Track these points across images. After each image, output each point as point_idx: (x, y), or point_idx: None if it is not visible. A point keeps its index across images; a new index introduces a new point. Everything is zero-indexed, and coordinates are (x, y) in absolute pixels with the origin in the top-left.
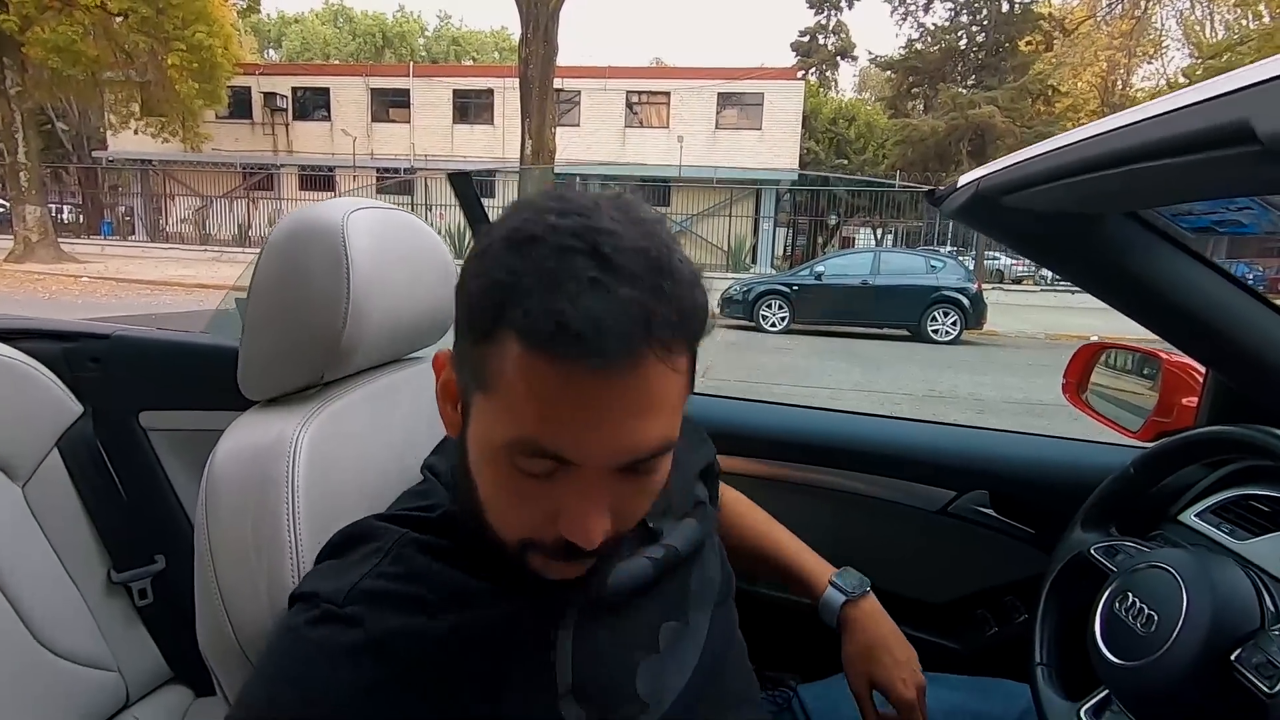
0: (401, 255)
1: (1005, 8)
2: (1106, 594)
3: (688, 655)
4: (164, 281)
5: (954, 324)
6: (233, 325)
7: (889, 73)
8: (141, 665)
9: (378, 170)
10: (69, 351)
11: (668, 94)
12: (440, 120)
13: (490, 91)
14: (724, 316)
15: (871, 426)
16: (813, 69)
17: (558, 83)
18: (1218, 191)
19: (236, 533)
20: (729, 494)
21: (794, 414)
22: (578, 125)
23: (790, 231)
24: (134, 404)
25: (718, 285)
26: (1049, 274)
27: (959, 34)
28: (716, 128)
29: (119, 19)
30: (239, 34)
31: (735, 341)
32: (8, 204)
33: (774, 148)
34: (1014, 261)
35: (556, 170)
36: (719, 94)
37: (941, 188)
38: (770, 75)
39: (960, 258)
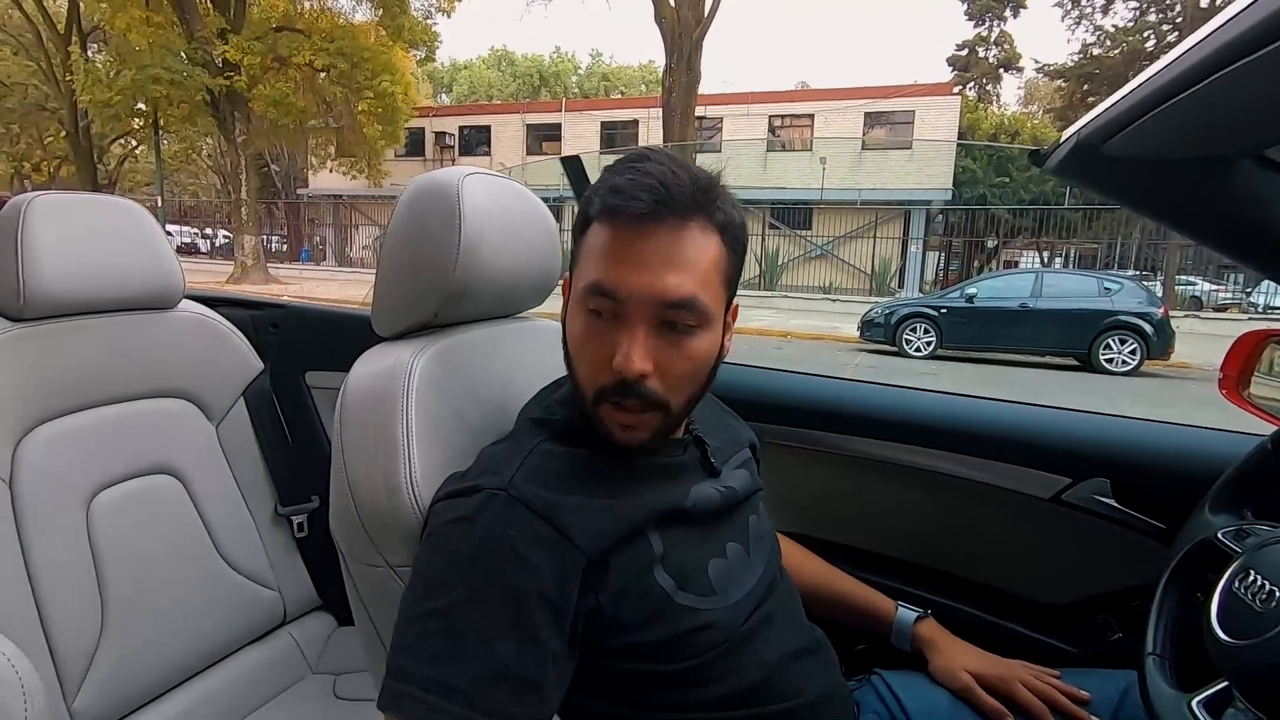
0: (510, 216)
1: (1204, 3)
2: (1228, 574)
3: (747, 575)
4: (345, 300)
5: (1133, 352)
6: None
7: (1059, 81)
8: (297, 590)
9: None
10: (255, 318)
11: (811, 116)
12: (588, 151)
13: (635, 122)
14: (865, 340)
15: (973, 407)
16: (970, 83)
17: (700, 110)
18: None
19: (361, 437)
20: (785, 543)
21: (891, 393)
22: (719, 151)
23: (943, 255)
24: (301, 364)
25: (858, 310)
26: (1260, 301)
27: (1145, 34)
28: (863, 148)
29: (322, 74)
30: (417, 81)
31: (876, 365)
32: (230, 235)
33: (925, 167)
34: (1215, 287)
35: None
36: (866, 113)
37: (1044, 147)
38: (923, 92)
39: (1145, 282)
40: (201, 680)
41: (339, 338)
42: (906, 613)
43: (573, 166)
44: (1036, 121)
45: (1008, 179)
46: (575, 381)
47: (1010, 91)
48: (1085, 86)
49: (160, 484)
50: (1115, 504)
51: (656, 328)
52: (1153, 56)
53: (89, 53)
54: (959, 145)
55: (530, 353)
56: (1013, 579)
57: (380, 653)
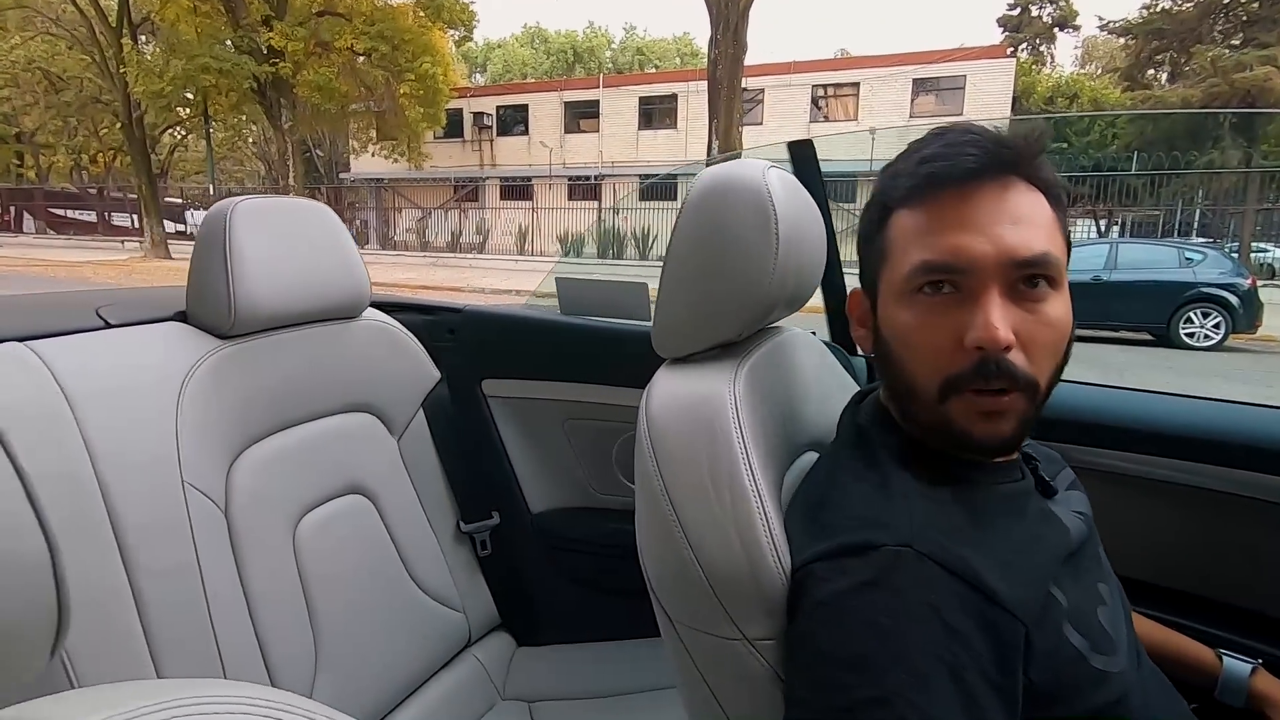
0: (802, 208)
1: None
2: None
3: (1120, 622)
4: (392, 284)
5: (1216, 326)
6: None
7: (1125, 39)
8: (479, 610)
9: (569, 178)
10: (430, 324)
11: (856, 85)
12: (626, 127)
13: (674, 96)
14: None
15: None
16: (1023, 44)
17: (742, 82)
18: None
19: (691, 478)
20: None
21: (1187, 404)
22: (760, 124)
23: None
24: (478, 372)
25: None
26: None
27: None
28: (911, 116)
29: (362, 58)
30: (454, 62)
31: None
32: None
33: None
34: None
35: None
36: (914, 80)
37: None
38: (973, 55)
39: (1219, 250)
40: (404, 711)
41: (519, 344)
42: (1236, 664)
43: (803, 152)
44: (1096, 82)
45: (1065, 145)
46: (908, 386)
47: (1065, 52)
48: (1154, 44)
49: (355, 504)
50: None
51: (1009, 294)
52: (1228, 10)
53: (139, 44)
54: (1013, 110)
55: (809, 364)
56: None
57: (710, 716)
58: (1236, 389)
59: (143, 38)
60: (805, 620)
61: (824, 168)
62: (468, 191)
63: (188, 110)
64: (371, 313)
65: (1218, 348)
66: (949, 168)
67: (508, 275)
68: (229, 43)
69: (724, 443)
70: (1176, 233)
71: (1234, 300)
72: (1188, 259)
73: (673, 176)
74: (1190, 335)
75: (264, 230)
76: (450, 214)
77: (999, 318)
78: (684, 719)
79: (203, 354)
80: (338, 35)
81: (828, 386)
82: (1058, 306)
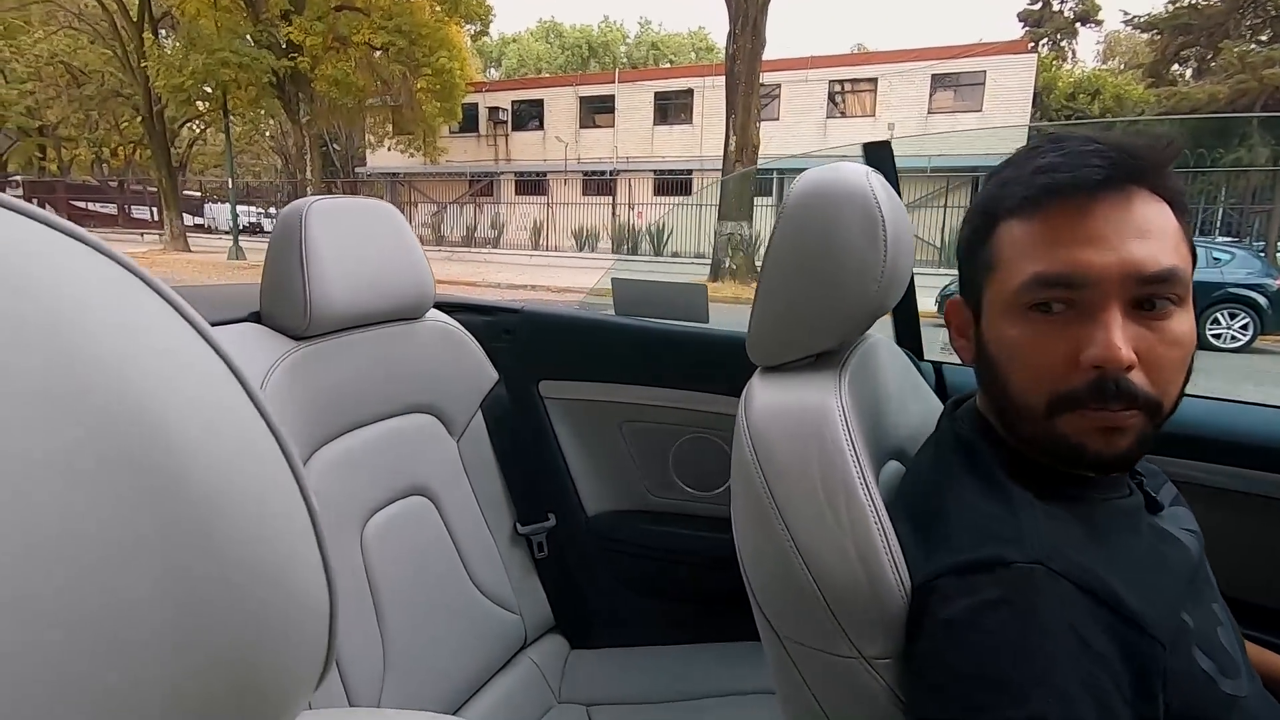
0: (902, 219)
1: None
2: None
3: (1233, 641)
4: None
5: (1244, 327)
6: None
7: (1150, 34)
8: (535, 612)
9: (583, 173)
10: (488, 324)
11: (874, 80)
12: (641, 123)
13: (690, 91)
14: (940, 315)
15: None
16: (1044, 39)
17: (760, 77)
18: None
19: (803, 492)
20: None
21: None
22: (777, 119)
23: None
24: (536, 373)
25: (931, 282)
26: None
27: None
28: (929, 112)
29: (379, 52)
30: (470, 57)
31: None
32: None
33: (997, 131)
34: None
35: (760, 166)
36: (932, 75)
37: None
38: (994, 50)
39: (1248, 250)
40: (466, 712)
41: (576, 345)
42: None
43: (879, 154)
44: (1119, 78)
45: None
46: (1012, 401)
47: (1087, 47)
48: (1180, 39)
49: (417, 505)
50: None
51: (1129, 311)
52: (1257, 5)
53: (160, 38)
54: (1034, 106)
55: (893, 370)
56: None
57: None
58: (1269, 392)
59: (163, 32)
60: (930, 639)
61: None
62: (483, 186)
63: (206, 104)
64: (433, 313)
65: (1245, 349)
66: (1071, 179)
67: (522, 270)
68: (248, 37)
69: (836, 455)
70: (1199, 232)
71: (1262, 301)
72: (1215, 259)
73: (768, 172)
74: (1217, 336)
75: (337, 231)
76: (465, 208)
77: (1120, 336)
78: None
79: (278, 356)
80: (355, 29)
81: (906, 393)
82: (1182, 323)
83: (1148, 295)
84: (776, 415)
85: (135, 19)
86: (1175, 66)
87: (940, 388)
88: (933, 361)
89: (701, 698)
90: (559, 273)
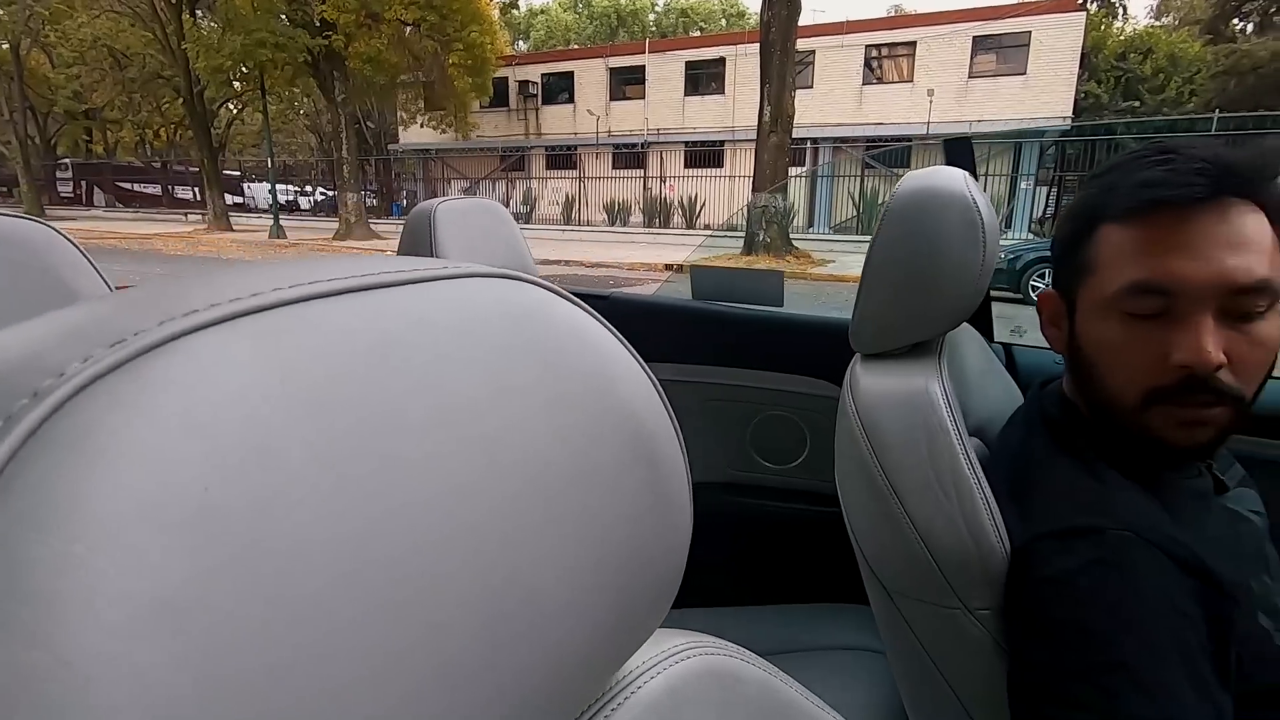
0: (992, 219)
1: None
2: None
3: None
4: None
5: None
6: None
7: None
8: None
9: (614, 146)
10: None
11: (912, 44)
12: (672, 94)
13: (721, 60)
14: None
15: None
16: None
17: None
18: None
19: (915, 473)
20: None
21: None
22: (810, 87)
23: (1053, 190)
24: None
25: None
26: None
27: None
28: (970, 76)
29: (410, 28)
30: (499, 30)
31: (1008, 315)
32: (326, 192)
33: (1041, 94)
34: None
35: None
36: (974, 38)
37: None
38: (1039, 10)
39: None
40: None
41: (659, 329)
42: None
43: (959, 149)
44: (1174, 36)
45: (1138, 103)
46: (1106, 395)
47: (1139, 3)
48: None
49: None
50: None
51: (1220, 318)
52: None
53: (197, 20)
54: (1082, 67)
55: (973, 353)
56: None
57: (927, 679)
58: None
59: (200, 13)
60: (1030, 594)
61: (875, 133)
62: (513, 161)
63: (242, 84)
64: None
65: None
66: (1174, 196)
67: (555, 246)
68: (283, 16)
69: (941, 434)
70: None
71: None
72: None
73: (908, 139)
74: None
75: (462, 228)
76: (497, 184)
77: (1211, 341)
78: (827, 678)
79: None
80: (387, 6)
81: (986, 376)
82: (1272, 326)
83: (1239, 304)
84: (884, 398)
85: (174, 1)
86: (1235, 21)
87: (1010, 368)
88: (1002, 343)
89: (798, 651)
90: (591, 247)
